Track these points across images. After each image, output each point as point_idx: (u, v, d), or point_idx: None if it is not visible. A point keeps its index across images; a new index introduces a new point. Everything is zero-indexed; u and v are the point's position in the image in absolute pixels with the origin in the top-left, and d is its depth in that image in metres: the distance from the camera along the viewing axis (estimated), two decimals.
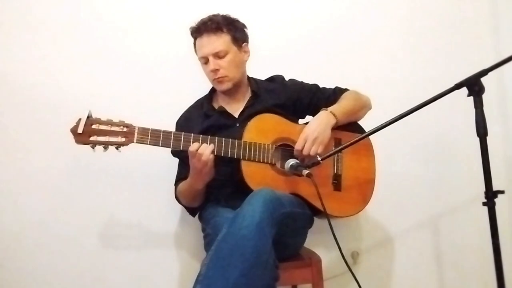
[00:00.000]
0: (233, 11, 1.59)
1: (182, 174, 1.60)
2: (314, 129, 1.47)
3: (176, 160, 1.65)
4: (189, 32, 1.56)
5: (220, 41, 1.50)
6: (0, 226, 1.75)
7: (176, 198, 1.63)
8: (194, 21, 1.54)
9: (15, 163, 1.77)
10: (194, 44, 1.57)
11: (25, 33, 1.84)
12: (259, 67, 1.69)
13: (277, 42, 1.99)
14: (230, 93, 1.60)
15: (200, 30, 1.52)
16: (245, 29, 1.60)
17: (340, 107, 1.56)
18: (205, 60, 1.53)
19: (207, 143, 1.40)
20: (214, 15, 1.54)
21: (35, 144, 1.79)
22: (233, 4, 1.59)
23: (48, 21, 1.86)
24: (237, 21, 1.58)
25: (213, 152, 1.39)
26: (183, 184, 1.57)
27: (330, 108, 1.54)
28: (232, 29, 1.54)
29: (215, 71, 1.52)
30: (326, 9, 2.12)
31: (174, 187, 1.64)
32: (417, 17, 2.20)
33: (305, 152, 1.45)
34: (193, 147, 1.38)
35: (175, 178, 1.65)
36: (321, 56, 2.05)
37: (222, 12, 1.57)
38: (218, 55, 1.51)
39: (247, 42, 1.61)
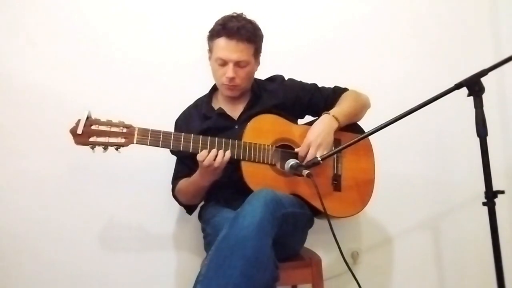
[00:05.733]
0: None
1: (180, 172, 1.61)
2: (317, 135, 1.47)
3: (175, 160, 1.66)
4: (188, 33, 1.55)
5: (246, 52, 1.48)
6: (0, 226, 1.75)
7: (174, 195, 1.63)
8: (196, 21, 1.52)
9: (15, 164, 1.77)
10: (212, 40, 1.51)
11: (23, 33, 1.84)
12: (261, 67, 1.68)
13: (278, 43, 1.98)
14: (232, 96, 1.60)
15: (232, 33, 1.45)
16: (263, 39, 1.58)
17: (341, 110, 1.55)
18: (222, 62, 1.49)
19: (207, 145, 1.40)
20: (245, 21, 1.49)
21: (35, 144, 1.79)
22: (236, 5, 1.57)
23: (47, 21, 1.86)
24: (260, 30, 1.56)
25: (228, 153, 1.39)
26: (184, 182, 1.57)
27: (332, 112, 1.54)
28: (257, 40, 1.53)
29: (232, 78, 1.50)
30: (327, 10, 2.12)
31: (171, 185, 1.64)
32: (417, 17, 2.20)
33: (308, 159, 1.44)
34: (208, 160, 1.36)
35: (173, 175, 1.65)
36: (321, 56, 2.04)
37: (225, 12, 1.54)
38: (239, 64, 1.49)
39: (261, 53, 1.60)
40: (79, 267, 1.78)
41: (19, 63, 1.82)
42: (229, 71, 1.48)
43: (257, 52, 1.54)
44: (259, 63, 1.60)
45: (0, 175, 1.76)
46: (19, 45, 1.83)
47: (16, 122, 1.79)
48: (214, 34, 1.50)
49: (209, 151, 1.38)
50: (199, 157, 1.38)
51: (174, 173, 1.65)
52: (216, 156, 1.38)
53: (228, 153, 1.39)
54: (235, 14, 1.51)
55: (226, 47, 1.47)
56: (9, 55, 1.82)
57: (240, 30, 1.46)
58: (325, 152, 1.45)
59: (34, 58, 1.83)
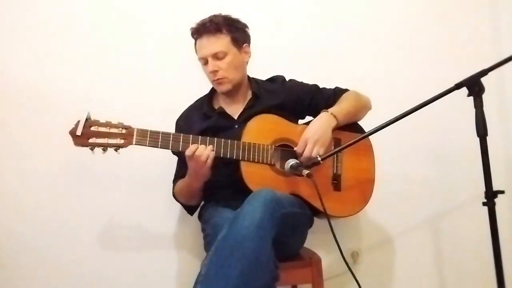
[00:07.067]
0: (234, 12, 1.58)
1: (180, 172, 1.61)
2: (315, 131, 1.47)
3: (175, 160, 1.65)
4: (188, 32, 1.55)
5: (219, 43, 1.50)
6: (0, 226, 1.75)
7: (174, 196, 1.64)
8: (193, 21, 1.54)
9: (15, 165, 1.77)
10: (195, 44, 1.56)
11: (23, 33, 1.84)
12: (262, 67, 1.68)
13: (278, 43, 1.99)
14: (230, 94, 1.60)
15: (199, 31, 1.51)
16: (246, 30, 1.59)
17: (340, 109, 1.55)
18: (204, 61, 1.53)
19: (206, 145, 1.40)
20: (214, 16, 1.53)
21: (35, 145, 1.79)
22: (235, 5, 1.57)
23: (46, 22, 1.86)
24: (238, 21, 1.56)
25: (212, 152, 1.39)
26: (180, 182, 1.58)
27: (330, 110, 1.54)
28: (233, 30, 1.53)
29: (214, 72, 1.52)
30: (327, 10, 2.12)
31: (172, 185, 1.65)
32: (417, 17, 2.20)
33: (306, 154, 1.44)
34: (189, 151, 1.38)
35: (174, 176, 1.66)
36: (321, 56, 2.04)
37: (224, 12, 1.55)
38: (217, 56, 1.50)
39: (248, 43, 1.59)
40: (79, 266, 1.78)
41: (19, 63, 1.82)
42: (209, 65, 1.51)
43: (236, 41, 1.53)
44: (247, 53, 1.59)
45: (0, 175, 1.76)
46: (19, 45, 1.83)
47: (16, 122, 1.79)
48: (194, 40, 1.56)
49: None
50: (187, 151, 1.38)
51: (175, 173, 1.66)
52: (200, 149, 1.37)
53: (210, 148, 1.38)
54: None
55: (199, 46, 1.53)
56: (9, 55, 1.82)
57: (205, 25, 1.50)
58: (322, 149, 1.45)
59: (34, 59, 1.83)
